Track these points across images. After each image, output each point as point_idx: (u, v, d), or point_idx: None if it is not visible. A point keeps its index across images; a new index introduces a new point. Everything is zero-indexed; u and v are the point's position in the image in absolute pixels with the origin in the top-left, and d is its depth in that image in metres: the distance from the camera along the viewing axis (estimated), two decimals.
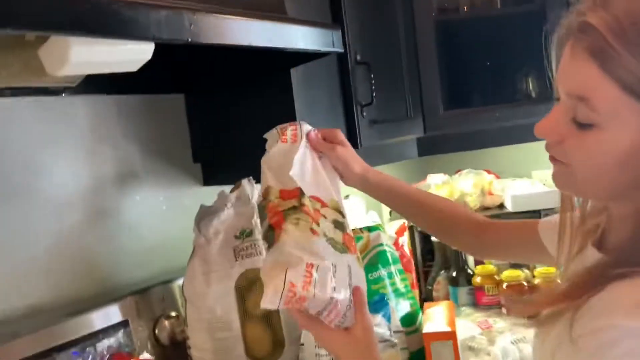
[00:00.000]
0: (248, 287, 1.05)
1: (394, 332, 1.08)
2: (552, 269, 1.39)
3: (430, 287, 1.58)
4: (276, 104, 1.13)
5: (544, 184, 1.83)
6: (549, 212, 1.64)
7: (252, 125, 1.19)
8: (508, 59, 1.58)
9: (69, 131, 1.08)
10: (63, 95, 1.03)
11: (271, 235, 0.76)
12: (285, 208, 0.78)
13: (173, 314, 1.13)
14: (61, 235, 1.04)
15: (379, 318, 1.06)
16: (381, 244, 1.24)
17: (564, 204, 0.66)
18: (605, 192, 0.56)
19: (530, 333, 1.24)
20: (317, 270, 0.70)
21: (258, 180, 1.14)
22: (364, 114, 1.24)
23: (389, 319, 1.08)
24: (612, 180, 0.53)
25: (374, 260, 1.22)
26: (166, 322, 1.11)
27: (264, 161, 0.87)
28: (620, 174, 0.52)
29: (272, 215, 0.78)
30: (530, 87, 1.62)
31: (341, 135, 0.91)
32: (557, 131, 0.55)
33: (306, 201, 0.78)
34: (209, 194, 1.16)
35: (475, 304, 1.46)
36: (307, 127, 0.88)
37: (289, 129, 0.88)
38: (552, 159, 0.58)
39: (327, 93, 1.20)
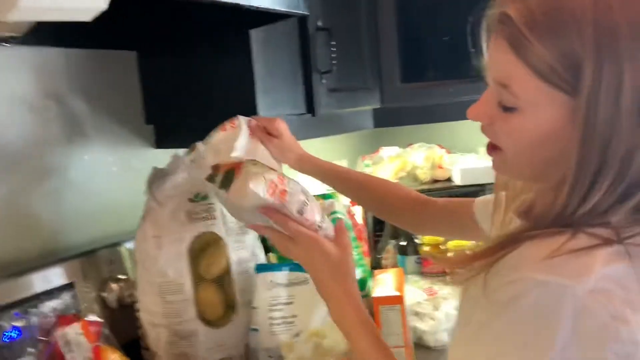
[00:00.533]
0: (201, 250, 1.04)
1: None
2: None
3: (379, 256, 1.62)
4: (234, 66, 1.11)
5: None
6: (492, 185, 1.71)
7: (208, 87, 1.17)
8: (464, 36, 1.61)
9: (13, 84, 1.01)
10: (7, 45, 0.96)
11: (231, 176, 0.80)
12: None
13: (121, 276, 1.10)
14: (3, 194, 0.99)
15: None
16: (335, 212, 1.26)
17: (498, 183, 0.73)
18: (529, 172, 0.61)
19: None
20: (289, 181, 0.80)
21: None
22: (323, 81, 1.23)
23: None
24: (534, 160, 0.58)
25: None
26: (114, 285, 1.09)
27: (206, 150, 0.97)
28: (539, 153, 0.57)
29: (228, 166, 0.83)
30: (482, 65, 1.66)
31: (280, 125, 1.01)
32: (487, 114, 0.60)
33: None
34: (162, 157, 1.13)
35: (422, 272, 1.52)
36: (245, 119, 0.99)
37: (227, 122, 0.99)
38: (489, 148, 0.63)
39: (287, 58, 1.18)
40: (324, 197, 1.29)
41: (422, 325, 1.22)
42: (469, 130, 2.02)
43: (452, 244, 1.45)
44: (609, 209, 0.54)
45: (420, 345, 1.21)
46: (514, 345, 0.52)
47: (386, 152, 1.82)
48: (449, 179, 1.77)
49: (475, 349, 0.56)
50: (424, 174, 1.75)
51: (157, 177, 1.08)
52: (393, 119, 1.56)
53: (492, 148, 0.63)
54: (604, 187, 0.53)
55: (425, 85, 1.57)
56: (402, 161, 1.77)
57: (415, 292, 1.35)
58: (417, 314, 1.26)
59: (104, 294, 1.08)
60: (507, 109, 0.57)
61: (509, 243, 0.56)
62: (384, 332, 1.06)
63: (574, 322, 0.50)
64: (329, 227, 0.82)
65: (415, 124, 1.77)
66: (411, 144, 1.86)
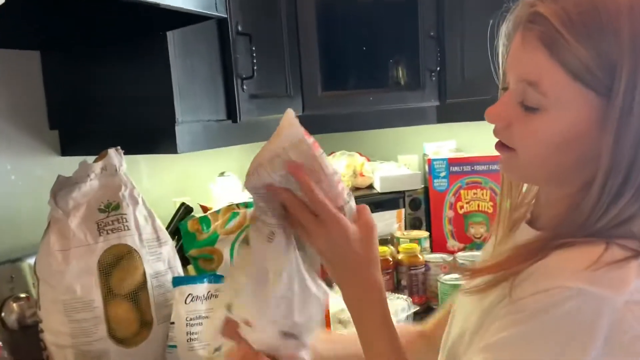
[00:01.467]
0: (113, 264, 0.98)
1: None
2: (414, 245, 1.49)
3: None
4: (150, 69, 1.06)
5: (408, 167, 1.96)
6: (412, 192, 1.76)
7: (120, 91, 1.11)
8: (382, 46, 1.65)
9: None
10: None
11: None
12: None
13: (22, 295, 1.01)
14: None
15: None
16: None
17: (504, 191, 0.69)
18: (545, 175, 0.59)
19: (392, 305, 1.33)
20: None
21: (126, 151, 1.06)
22: (244, 87, 1.21)
23: None
24: (553, 163, 0.57)
25: None
26: (14, 305, 0.99)
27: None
28: (560, 156, 0.56)
29: None
30: (400, 75, 1.71)
31: None
32: (505, 115, 0.58)
33: None
34: (67, 166, 1.05)
35: None
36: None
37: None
38: (499, 146, 0.61)
39: (206, 63, 1.14)
40: (247, 205, 1.26)
41: (346, 332, 1.22)
42: (385, 139, 2.08)
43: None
44: (630, 218, 0.53)
45: None
46: (547, 354, 0.51)
47: None
48: (370, 186, 1.80)
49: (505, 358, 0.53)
50: (346, 182, 1.77)
51: (63, 185, 1.01)
52: (315, 126, 1.55)
53: (502, 147, 0.60)
54: (630, 194, 0.53)
55: (345, 93, 1.58)
56: None
57: (339, 299, 1.35)
58: (340, 321, 1.26)
59: (3, 315, 0.98)
60: (529, 109, 0.56)
61: (533, 252, 0.55)
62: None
63: (608, 333, 0.50)
64: (353, 206, 0.68)
65: (337, 131, 1.78)
66: (333, 152, 1.87)
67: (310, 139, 0.65)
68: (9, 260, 1.03)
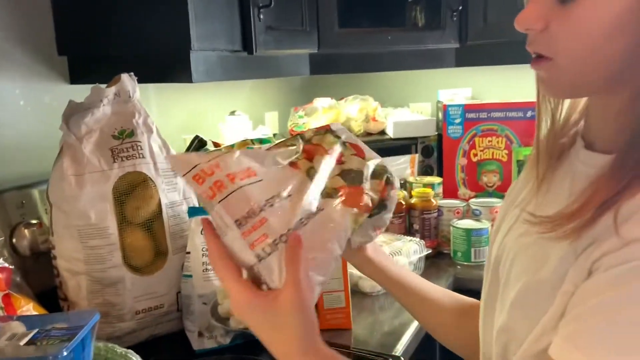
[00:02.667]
0: (127, 191, 0.95)
1: None
2: (428, 189, 1.47)
3: None
4: None
5: (421, 114, 1.92)
6: (425, 139, 1.73)
7: (132, 13, 1.05)
8: None
9: None
10: None
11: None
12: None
13: (34, 221, 0.99)
14: None
15: None
16: None
17: (541, 116, 0.60)
18: (598, 78, 0.50)
19: (405, 247, 1.32)
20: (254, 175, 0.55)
21: (138, 79, 1.02)
22: (261, 16, 1.15)
23: None
24: (605, 60, 0.48)
25: None
26: (26, 231, 0.97)
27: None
28: (612, 48, 0.47)
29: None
30: (420, 14, 1.65)
31: None
32: (540, 14, 0.50)
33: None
34: (77, 94, 1.01)
35: None
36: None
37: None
38: (536, 62, 0.53)
39: None
40: (261, 141, 1.22)
41: (358, 272, 1.21)
42: (402, 83, 2.03)
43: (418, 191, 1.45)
44: None
45: (356, 291, 1.21)
46: None
47: (320, 103, 1.77)
48: (382, 132, 1.76)
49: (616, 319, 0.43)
50: (358, 126, 1.73)
51: (75, 110, 0.97)
52: (330, 65, 1.51)
53: (538, 60, 0.52)
54: None
55: (362, 31, 1.52)
56: (336, 112, 1.74)
57: None
58: None
59: (15, 241, 0.96)
60: (565, 1, 0.47)
61: (623, 182, 0.46)
62: None
63: None
64: (272, 264, 0.52)
65: (352, 72, 1.73)
66: (344, 97, 1.83)
67: (205, 184, 0.54)
68: (19, 186, 1.01)
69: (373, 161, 0.64)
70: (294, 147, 0.62)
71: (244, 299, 0.53)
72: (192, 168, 0.55)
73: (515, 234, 0.59)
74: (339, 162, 0.62)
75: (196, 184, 0.54)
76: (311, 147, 0.63)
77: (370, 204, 0.60)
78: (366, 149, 0.66)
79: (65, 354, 0.64)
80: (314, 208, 0.56)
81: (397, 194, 1.43)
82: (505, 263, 0.60)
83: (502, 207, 0.67)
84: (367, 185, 0.61)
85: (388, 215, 0.68)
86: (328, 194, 0.59)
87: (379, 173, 0.64)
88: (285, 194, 0.55)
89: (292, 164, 0.59)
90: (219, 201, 0.53)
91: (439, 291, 0.77)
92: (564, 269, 0.49)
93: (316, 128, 0.67)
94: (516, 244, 0.59)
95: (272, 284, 0.52)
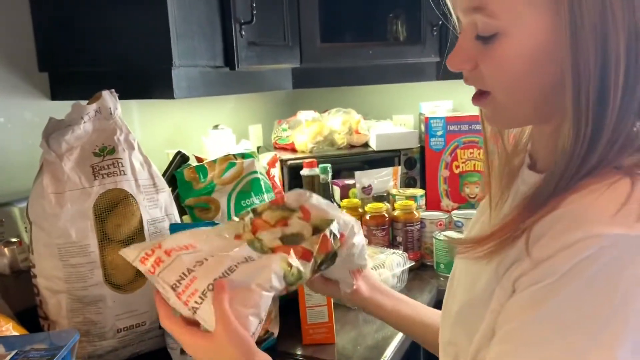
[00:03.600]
0: (109, 208, 0.95)
1: None
2: (411, 202, 1.48)
3: None
4: (146, 8, 1.01)
5: (404, 126, 1.94)
6: (407, 151, 1.74)
7: (115, 31, 1.06)
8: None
9: None
10: None
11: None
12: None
13: (13, 239, 0.98)
14: None
15: None
16: (255, 172, 1.21)
17: (488, 146, 0.64)
18: (530, 109, 0.53)
19: (388, 259, 1.33)
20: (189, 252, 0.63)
21: (120, 95, 1.02)
22: (243, 32, 1.16)
23: None
24: (532, 92, 0.51)
25: (247, 187, 1.18)
26: (5, 249, 0.96)
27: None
28: (536, 81, 0.50)
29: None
30: (400, 29, 1.67)
31: None
32: (467, 56, 0.53)
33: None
34: (58, 110, 1.01)
35: None
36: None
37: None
38: (476, 98, 0.56)
39: (204, 4, 1.09)
40: (243, 156, 1.23)
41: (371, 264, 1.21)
42: (384, 96, 2.06)
43: (370, 207, 1.46)
44: (632, 139, 0.47)
45: (339, 304, 1.21)
46: (591, 324, 0.43)
47: (303, 116, 1.78)
48: (365, 144, 1.78)
49: (535, 334, 0.44)
50: (341, 139, 1.74)
51: (55, 128, 0.97)
52: (312, 79, 1.52)
53: (478, 97, 0.55)
54: (615, 114, 0.46)
55: (344, 45, 1.54)
56: (319, 125, 1.75)
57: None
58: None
59: None
60: (487, 40, 0.51)
61: (543, 200, 0.48)
62: (307, 291, 1.04)
63: None
64: (202, 314, 0.60)
65: (334, 85, 1.74)
66: (327, 110, 1.84)
67: (148, 262, 0.63)
68: None
69: (323, 220, 0.69)
70: (241, 222, 0.69)
71: (190, 343, 0.61)
72: (138, 254, 0.63)
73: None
74: (284, 224, 0.68)
75: (142, 265, 0.63)
76: (259, 221, 0.69)
77: (310, 250, 0.65)
78: (320, 209, 0.70)
79: None
80: (243, 257, 0.63)
81: (381, 207, 1.42)
82: (452, 280, 0.66)
83: (469, 223, 0.72)
84: (305, 243, 0.66)
85: (362, 262, 0.75)
86: (264, 251, 0.65)
87: (321, 228, 0.68)
88: (218, 254, 0.63)
89: (237, 236, 0.67)
90: (158, 274, 0.61)
91: (435, 314, 0.80)
92: (491, 288, 0.52)
93: (270, 202, 0.72)
94: (461, 262, 0.64)
95: (210, 328, 0.59)
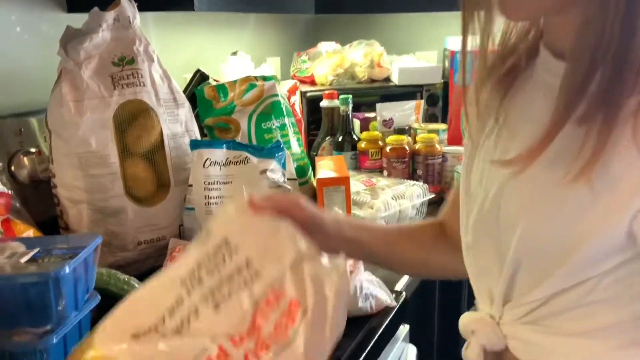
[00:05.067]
0: (129, 120, 0.93)
1: (288, 179, 1.05)
2: (433, 135, 1.45)
3: (314, 154, 1.57)
4: None
5: (427, 62, 1.88)
6: (430, 87, 1.69)
7: None
8: None
9: None
10: None
11: None
12: None
13: (33, 149, 0.97)
14: None
15: (273, 163, 1.01)
16: (276, 94, 1.17)
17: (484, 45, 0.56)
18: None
19: (408, 190, 1.31)
20: None
21: (139, 5, 0.97)
22: None
23: (283, 165, 1.04)
24: None
25: (268, 110, 1.15)
26: (25, 159, 0.95)
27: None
28: None
29: None
30: None
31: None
32: None
33: None
34: (75, 22, 0.96)
35: (359, 168, 1.49)
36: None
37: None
38: None
39: None
40: (265, 78, 1.19)
41: (361, 213, 1.20)
42: (408, 30, 1.98)
43: (391, 139, 1.43)
44: None
45: None
46: None
47: (324, 47, 1.72)
48: (387, 79, 1.73)
49: None
50: (362, 72, 1.69)
51: (73, 36, 0.93)
52: (334, 6, 1.46)
53: None
54: None
55: None
56: (340, 57, 1.69)
57: (354, 184, 1.32)
58: (355, 202, 1.24)
59: (13, 169, 0.94)
60: None
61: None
62: None
63: None
64: None
65: (357, 12, 1.68)
66: (349, 44, 1.78)
67: None
68: (16, 113, 0.98)
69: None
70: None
71: None
72: None
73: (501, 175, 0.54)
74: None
75: None
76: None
77: None
78: None
79: (67, 270, 0.63)
80: None
81: (402, 139, 1.37)
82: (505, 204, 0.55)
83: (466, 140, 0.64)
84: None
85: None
86: None
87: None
88: None
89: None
90: None
91: (402, 233, 0.73)
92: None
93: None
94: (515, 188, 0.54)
95: None
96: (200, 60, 1.52)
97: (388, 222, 1.20)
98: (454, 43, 1.81)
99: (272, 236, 0.53)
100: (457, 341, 0.73)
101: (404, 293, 0.97)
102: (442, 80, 1.69)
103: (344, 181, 1.03)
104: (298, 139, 1.20)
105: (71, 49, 0.91)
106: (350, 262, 0.85)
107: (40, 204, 0.95)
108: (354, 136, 1.52)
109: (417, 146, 1.44)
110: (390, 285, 1.00)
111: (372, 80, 1.72)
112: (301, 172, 1.16)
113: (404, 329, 0.95)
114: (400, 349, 0.93)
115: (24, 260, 0.67)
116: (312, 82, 1.71)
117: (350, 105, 1.42)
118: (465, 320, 0.60)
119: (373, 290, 0.84)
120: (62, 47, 0.92)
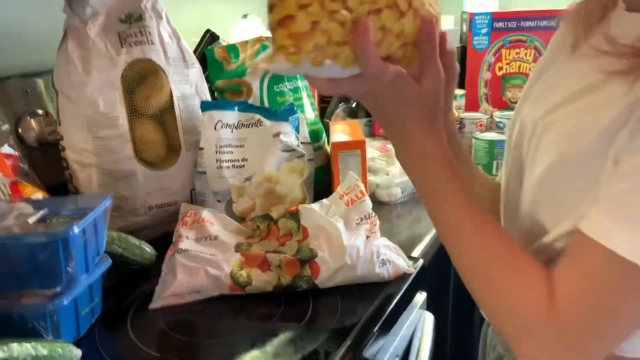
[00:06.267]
0: (138, 80, 0.89)
1: (302, 143, 1.02)
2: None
3: (328, 121, 1.53)
4: None
5: (444, 25, 1.82)
6: None
7: None
8: None
9: None
10: None
11: None
12: None
13: (40, 111, 0.94)
14: None
15: (287, 126, 0.98)
16: None
17: None
18: None
19: None
20: None
21: None
22: None
23: (297, 129, 1.00)
24: None
25: None
26: (32, 120, 0.93)
27: None
28: None
29: None
30: None
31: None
32: None
33: None
34: None
35: (373, 135, 1.46)
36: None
37: None
38: None
39: None
40: None
41: (376, 179, 1.17)
42: None
43: None
44: None
45: (373, 199, 1.17)
46: None
47: None
48: None
49: None
50: None
51: None
52: None
53: None
54: None
55: None
56: None
57: (369, 150, 1.28)
58: (370, 169, 1.20)
59: (21, 131, 0.92)
60: None
61: None
62: (341, 180, 0.99)
63: None
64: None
65: None
66: None
67: None
68: (22, 74, 0.95)
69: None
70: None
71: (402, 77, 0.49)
72: None
73: (542, 108, 0.55)
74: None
75: None
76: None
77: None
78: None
79: (76, 231, 0.61)
80: None
81: None
82: (531, 140, 0.56)
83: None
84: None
85: None
86: None
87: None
88: None
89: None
90: None
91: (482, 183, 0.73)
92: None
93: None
94: (546, 119, 0.55)
95: None
96: (209, 23, 1.48)
97: (404, 189, 1.17)
98: (470, 6, 1.74)
99: None
100: (473, 310, 0.70)
101: (421, 260, 0.94)
102: (460, 45, 1.64)
103: (359, 145, 0.99)
104: (312, 103, 1.16)
105: (76, 5, 0.88)
106: (366, 226, 0.83)
107: (48, 168, 0.93)
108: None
109: None
110: (406, 250, 0.98)
111: None
112: (315, 137, 1.12)
113: (420, 297, 0.93)
114: (417, 316, 0.91)
115: (32, 220, 0.65)
116: None
117: None
118: None
119: (390, 255, 0.82)
120: (67, 4, 0.88)
